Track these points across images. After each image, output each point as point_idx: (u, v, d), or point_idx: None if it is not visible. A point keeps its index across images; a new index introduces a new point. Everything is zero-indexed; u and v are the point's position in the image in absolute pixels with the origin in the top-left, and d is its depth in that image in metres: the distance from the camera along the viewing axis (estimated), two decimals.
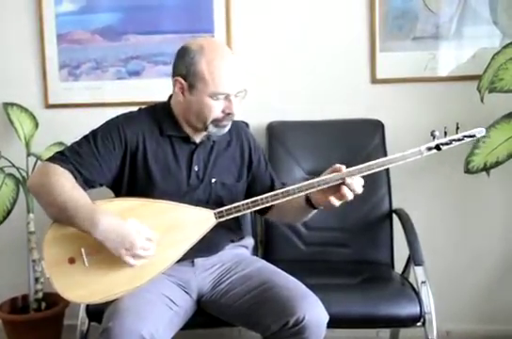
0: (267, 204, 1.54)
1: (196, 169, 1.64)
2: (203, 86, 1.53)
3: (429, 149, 1.53)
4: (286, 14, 2.34)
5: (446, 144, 1.53)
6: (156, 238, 1.46)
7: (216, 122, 1.58)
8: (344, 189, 1.49)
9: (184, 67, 1.55)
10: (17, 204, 2.24)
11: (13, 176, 2.27)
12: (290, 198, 1.53)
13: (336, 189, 1.51)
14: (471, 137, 1.55)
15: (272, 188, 1.73)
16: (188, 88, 1.56)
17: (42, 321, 2.30)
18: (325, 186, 1.51)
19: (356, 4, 2.30)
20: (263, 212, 1.75)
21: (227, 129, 1.63)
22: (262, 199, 1.52)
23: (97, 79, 2.44)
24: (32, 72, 2.47)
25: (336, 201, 1.51)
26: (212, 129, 1.59)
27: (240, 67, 1.58)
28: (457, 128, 1.53)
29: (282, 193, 1.52)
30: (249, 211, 1.54)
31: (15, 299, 2.41)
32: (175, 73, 1.59)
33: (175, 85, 1.59)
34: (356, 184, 1.50)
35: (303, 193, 1.53)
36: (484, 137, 1.96)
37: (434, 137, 1.53)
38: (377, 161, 1.53)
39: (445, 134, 1.53)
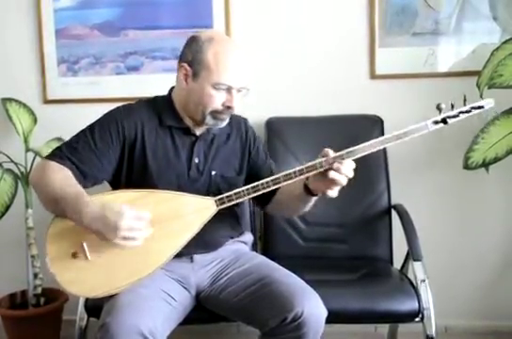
0: (268, 189, 1.49)
1: (196, 161, 1.63)
2: (207, 74, 1.53)
3: (436, 122, 1.44)
4: (285, 10, 2.34)
5: (454, 117, 1.43)
6: (147, 216, 1.40)
7: (215, 114, 1.57)
8: (331, 174, 1.43)
9: (191, 54, 1.56)
10: (15, 200, 2.24)
11: (12, 172, 2.27)
12: (291, 181, 1.48)
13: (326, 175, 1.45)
14: (479, 108, 1.45)
15: None
16: (192, 76, 1.56)
17: (41, 317, 2.30)
18: (321, 170, 1.45)
19: None
20: (263, 204, 1.73)
21: (225, 123, 1.62)
22: (262, 183, 1.49)
23: (96, 74, 2.43)
24: (31, 67, 2.46)
25: (329, 189, 1.46)
26: (209, 121, 1.58)
27: (247, 63, 1.57)
28: (465, 100, 1.44)
29: (283, 176, 1.47)
30: (250, 197, 1.50)
31: (14, 295, 2.41)
32: (181, 60, 1.59)
33: (180, 70, 1.59)
34: (345, 168, 1.43)
35: (304, 175, 1.47)
36: (483, 133, 1.98)
37: (440, 111, 1.44)
38: (380, 139, 1.46)
39: (452, 106, 1.44)
